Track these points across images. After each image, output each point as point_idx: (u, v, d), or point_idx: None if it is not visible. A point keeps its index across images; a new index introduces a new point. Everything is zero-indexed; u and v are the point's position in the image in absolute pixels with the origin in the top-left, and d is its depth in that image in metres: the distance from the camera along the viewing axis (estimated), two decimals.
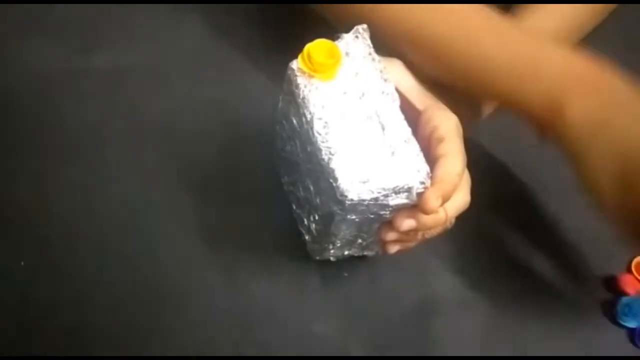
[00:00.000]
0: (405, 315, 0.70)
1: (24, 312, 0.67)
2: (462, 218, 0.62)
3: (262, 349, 0.68)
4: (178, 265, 0.70)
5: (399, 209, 0.57)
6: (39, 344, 0.66)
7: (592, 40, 0.75)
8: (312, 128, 0.56)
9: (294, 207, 0.69)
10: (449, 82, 0.64)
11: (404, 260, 0.70)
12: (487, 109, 0.70)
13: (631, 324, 0.70)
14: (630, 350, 0.70)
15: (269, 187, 0.72)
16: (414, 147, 0.55)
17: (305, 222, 0.66)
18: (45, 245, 0.70)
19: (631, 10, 0.81)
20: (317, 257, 0.68)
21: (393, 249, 0.63)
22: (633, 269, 0.73)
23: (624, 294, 0.71)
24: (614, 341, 0.71)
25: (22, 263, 0.69)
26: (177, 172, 0.73)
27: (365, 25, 0.59)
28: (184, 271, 0.70)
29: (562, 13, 0.73)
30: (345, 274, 0.71)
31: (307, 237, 0.68)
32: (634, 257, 0.73)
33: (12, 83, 0.76)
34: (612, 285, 0.72)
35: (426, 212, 0.55)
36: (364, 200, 0.54)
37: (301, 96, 0.57)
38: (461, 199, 0.60)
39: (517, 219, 0.75)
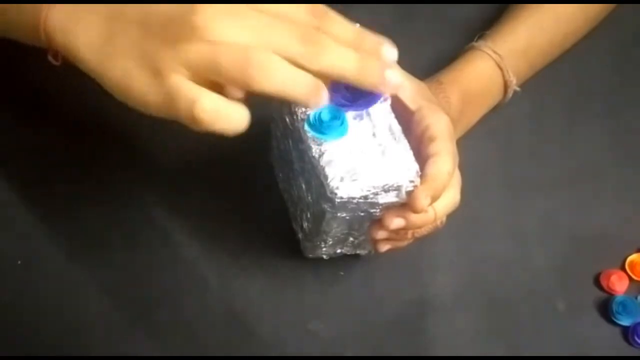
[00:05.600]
0: (400, 313, 0.70)
1: (21, 312, 0.68)
2: (456, 216, 0.62)
3: (257, 348, 0.68)
4: (173, 265, 0.70)
5: (388, 208, 0.57)
6: (36, 344, 0.67)
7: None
8: (303, 126, 0.56)
9: (288, 205, 0.70)
10: None
11: (399, 259, 0.70)
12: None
13: (625, 322, 0.70)
14: (624, 348, 0.71)
15: (265, 185, 0.72)
16: (404, 146, 0.56)
17: (299, 220, 0.67)
18: (41, 243, 0.70)
19: (631, 10, 0.83)
20: (310, 255, 0.68)
21: (383, 247, 0.63)
22: (627, 267, 0.73)
23: (616, 292, 0.71)
24: (609, 339, 0.71)
25: (19, 262, 0.69)
26: (172, 171, 0.74)
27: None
28: (179, 271, 0.70)
29: (556, 16, 0.75)
30: (341, 273, 0.71)
31: (300, 235, 0.68)
32: (627, 255, 0.74)
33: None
34: (604, 283, 0.72)
35: (415, 211, 0.56)
36: (353, 198, 0.54)
37: None
38: (451, 198, 0.60)
39: (511, 218, 0.75)
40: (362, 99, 0.56)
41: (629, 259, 0.73)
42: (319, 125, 0.55)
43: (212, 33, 0.48)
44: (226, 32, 0.48)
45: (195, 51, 0.48)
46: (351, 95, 0.56)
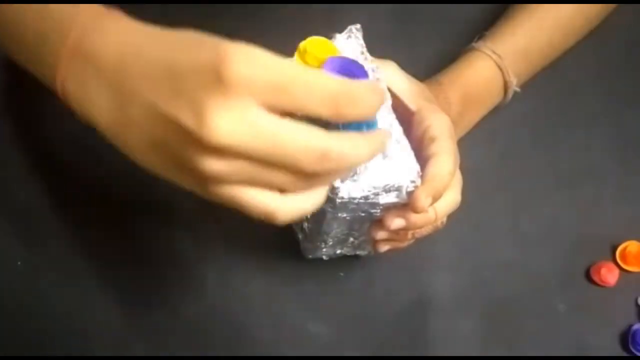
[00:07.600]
0: (400, 314, 0.71)
1: (20, 312, 0.68)
2: (457, 217, 0.62)
3: (257, 347, 0.68)
4: (173, 265, 0.70)
5: (389, 208, 0.57)
6: (35, 344, 0.67)
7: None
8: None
9: None
10: None
11: (399, 259, 0.70)
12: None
13: None
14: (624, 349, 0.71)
15: None
16: (405, 146, 0.56)
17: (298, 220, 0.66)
18: (41, 243, 0.70)
19: (631, 10, 0.83)
20: (310, 256, 0.68)
21: (383, 248, 0.63)
22: (617, 257, 0.73)
23: (608, 283, 0.71)
24: (608, 340, 0.71)
25: (19, 263, 0.69)
26: None
27: (358, 25, 0.59)
28: (179, 271, 0.70)
29: (556, 16, 0.75)
30: (341, 274, 0.72)
31: (300, 236, 0.68)
32: (618, 244, 0.74)
33: None
34: (596, 277, 0.72)
35: (416, 211, 0.55)
36: (354, 199, 0.54)
37: None
38: (452, 198, 0.60)
39: (511, 218, 0.75)
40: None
41: (619, 248, 0.73)
42: None
43: None
44: None
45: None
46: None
